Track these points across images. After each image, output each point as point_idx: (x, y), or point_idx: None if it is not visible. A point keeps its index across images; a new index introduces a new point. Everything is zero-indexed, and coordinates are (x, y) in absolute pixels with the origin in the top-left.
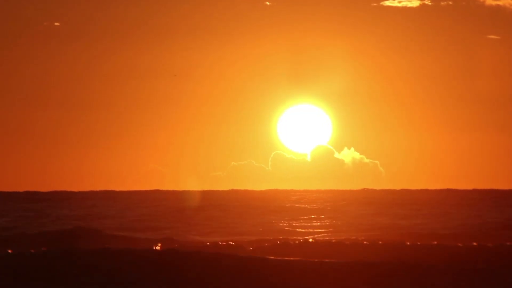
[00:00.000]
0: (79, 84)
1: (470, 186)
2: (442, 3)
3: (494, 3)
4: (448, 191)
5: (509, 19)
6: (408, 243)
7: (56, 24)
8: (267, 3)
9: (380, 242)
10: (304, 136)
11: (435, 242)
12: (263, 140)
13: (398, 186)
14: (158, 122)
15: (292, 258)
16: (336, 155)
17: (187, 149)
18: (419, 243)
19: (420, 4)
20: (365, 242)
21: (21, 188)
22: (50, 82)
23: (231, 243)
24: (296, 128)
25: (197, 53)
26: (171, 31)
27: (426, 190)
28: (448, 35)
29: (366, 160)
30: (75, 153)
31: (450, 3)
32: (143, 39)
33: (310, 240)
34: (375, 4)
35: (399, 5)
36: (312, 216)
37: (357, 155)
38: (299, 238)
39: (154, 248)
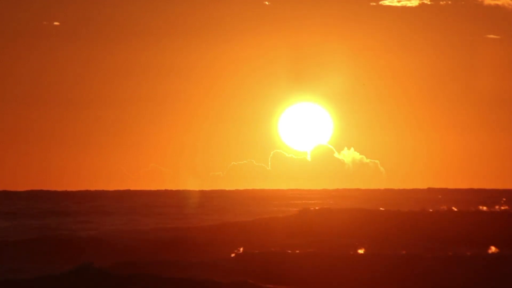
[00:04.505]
0: (78, 83)
1: (469, 186)
2: (441, 2)
3: (492, 2)
4: (448, 190)
5: (508, 18)
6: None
7: (55, 23)
8: (266, 2)
9: None
10: (304, 135)
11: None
12: (263, 139)
13: (398, 186)
14: (158, 122)
15: None
16: (336, 155)
17: (187, 149)
18: None
19: (419, 4)
20: None
21: (20, 188)
22: (50, 81)
23: None
24: (297, 127)
25: (197, 52)
26: (171, 30)
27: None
28: (447, 34)
29: (366, 160)
30: (74, 152)
31: (449, 2)
32: (143, 38)
33: None
34: (374, 4)
35: (398, 4)
36: None
37: (357, 155)
38: None
39: None
